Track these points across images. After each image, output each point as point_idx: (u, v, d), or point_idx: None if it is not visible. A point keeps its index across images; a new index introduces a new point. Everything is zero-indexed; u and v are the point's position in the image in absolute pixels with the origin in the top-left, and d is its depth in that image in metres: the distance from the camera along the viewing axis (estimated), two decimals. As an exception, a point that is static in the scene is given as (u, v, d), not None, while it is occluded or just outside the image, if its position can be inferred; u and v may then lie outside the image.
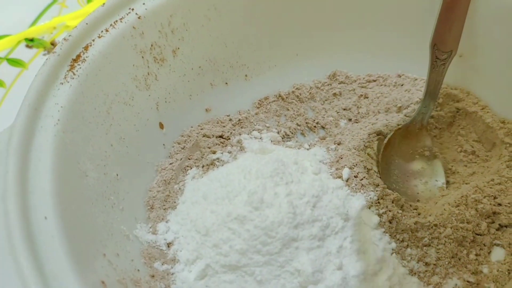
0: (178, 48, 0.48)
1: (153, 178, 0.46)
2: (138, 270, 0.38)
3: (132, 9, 0.44)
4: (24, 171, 0.32)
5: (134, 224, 0.42)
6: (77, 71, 0.39)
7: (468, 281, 0.42)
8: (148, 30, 0.45)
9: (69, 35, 0.40)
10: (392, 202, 0.44)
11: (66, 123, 0.36)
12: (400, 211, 0.44)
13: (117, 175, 0.41)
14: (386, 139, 0.49)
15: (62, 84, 0.38)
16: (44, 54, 0.61)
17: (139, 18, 0.44)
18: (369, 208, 0.43)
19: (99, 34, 0.41)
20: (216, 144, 0.49)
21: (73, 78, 0.38)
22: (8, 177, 0.31)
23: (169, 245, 0.42)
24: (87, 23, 0.41)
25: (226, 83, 0.53)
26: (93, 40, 0.41)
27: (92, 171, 0.38)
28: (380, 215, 0.43)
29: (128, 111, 0.44)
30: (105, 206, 0.38)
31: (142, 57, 0.45)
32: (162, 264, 0.41)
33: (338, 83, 0.56)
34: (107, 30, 0.42)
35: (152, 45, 0.45)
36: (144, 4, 0.44)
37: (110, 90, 0.42)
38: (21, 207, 0.30)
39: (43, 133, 0.35)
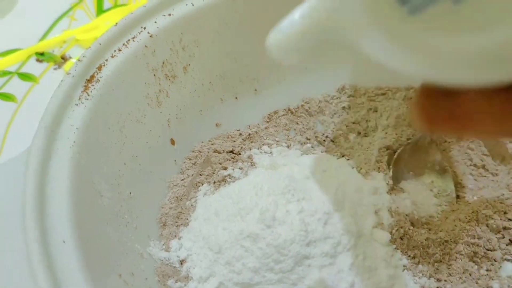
0: (189, 64, 0.48)
1: (165, 194, 0.46)
2: (153, 288, 0.39)
3: (144, 28, 0.44)
4: (41, 194, 0.32)
5: (147, 242, 0.42)
6: (91, 91, 0.39)
7: (479, 297, 0.43)
8: (159, 48, 0.45)
9: (83, 56, 0.40)
10: (404, 218, 0.44)
11: (81, 144, 0.37)
12: (411, 228, 0.44)
13: (130, 193, 0.42)
14: (396, 154, 0.50)
15: (77, 105, 0.38)
16: (55, 68, 0.62)
17: (151, 36, 0.44)
18: (380, 225, 0.44)
19: (112, 54, 0.42)
20: (227, 160, 0.50)
21: (87, 99, 0.39)
22: (26, 201, 0.31)
23: (182, 262, 0.43)
24: (100, 43, 0.41)
25: (236, 98, 0.54)
26: (106, 60, 0.41)
27: (106, 191, 0.38)
28: (391, 232, 0.43)
29: (141, 128, 0.45)
30: (119, 225, 0.39)
31: (154, 75, 0.45)
32: (176, 282, 0.41)
33: (347, 97, 0.56)
34: (119, 50, 0.42)
35: (163, 63, 0.46)
36: (156, 22, 0.45)
37: (123, 109, 0.42)
38: (40, 231, 0.30)
39: (59, 155, 0.35)
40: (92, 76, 0.40)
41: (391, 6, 0.17)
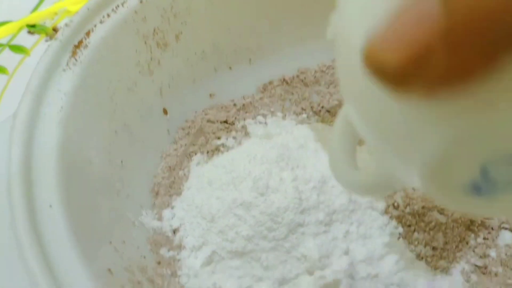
0: (181, 32, 0.47)
1: (158, 164, 0.46)
2: (145, 257, 0.38)
3: (134, -7, 0.43)
4: (28, 159, 0.32)
5: (139, 211, 0.41)
6: (79, 57, 0.38)
7: (475, 265, 0.42)
8: (150, 15, 0.44)
9: (71, 21, 0.39)
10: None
11: (69, 110, 0.36)
12: (407, 196, 0.43)
13: (121, 162, 0.41)
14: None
15: (65, 71, 0.37)
16: (46, 40, 0.61)
17: (141, 2, 0.43)
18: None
19: (101, 20, 0.41)
20: (221, 130, 0.49)
21: (75, 65, 0.38)
22: (12, 166, 0.31)
23: (175, 231, 0.42)
24: (88, 8, 0.40)
25: (230, 68, 0.52)
26: (95, 26, 0.40)
27: (96, 158, 0.38)
28: (387, 200, 0.43)
29: (132, 97, 0.44)
30: (110, 194, 0.38)
31: (145, 42, 0.44)
32: (168, 251, 0.41)
33: (343, 67, 0.55)
34: (108, 15, 0.41)
35: (154, 30, 0.45)
36: (146, -12, 0.44)
37: (113, 76, 0.41)
38: (26, 196, 0.30)
39: (46, 120, 0.34)
40: (80, 42, 0.39)
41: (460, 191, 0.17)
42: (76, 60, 0.38)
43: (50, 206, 0.30)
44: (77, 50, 0.38)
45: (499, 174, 0.16)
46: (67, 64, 0.38)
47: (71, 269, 0.28)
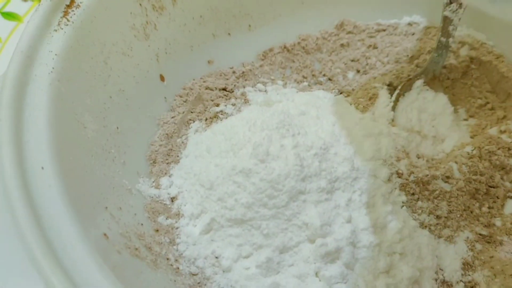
0: (178, -5, 0.46)
1: (155, 132, 0.44)
2: (142, 224, 0.37)
3: (128, -48, 0.41)
4: (18, 120, 0.30)
5: (136, 179, 0.40)
6: (71, 17, 0.37)
7: (480, 234, 0.41)
8: (145, -25, 0.42)
9: (62, -21, 0.37)
10: (403, 153, 0.42)
11: (61, 72, 0.35)
12: (411, 163, 0.42)
13: (117, 128, 0.40)
14: (397, 91, 0.47)
15: (56, 31, 0.36)
16: (39, 7, 0.59)
17: (135, -39, 0.41)
18: (380, 160, 0.42)
19: (94, -21, 0.39)
20: (219, 97, 0.48)
21: (67, 25, 0.36)
22: (1, 126, 0.29)
23: (172, 199, 0.41)
24: (80, -33, 0.38)
25: (229, 34, 0.51)
26: (88, -15, 0.38)
27: (90, 123, 0.36)
28: (390, 168, 0.42)
29: (127, 62, 0.42)
30: (105, 159, 0.37)
31: (140, 4, 0.43)
32: (166, 219, 0.40)
33: (346, 33, 0.54)
34: (102, -26, 0.39)
35: (150, -9, 0.43)
36: None
37: (107, 39, 0.40)
38: (16, 156, 0.29)
39: (37, 81, 0.33)
40: (72, 1, 0.37)
41: None
42: (68, 20, 0.36)
43: (42, 168, 0.29)
44: (69, 10, 0.37)
45: None
46: (58, 24, 0.36)
47: (64, 231, 0.26)
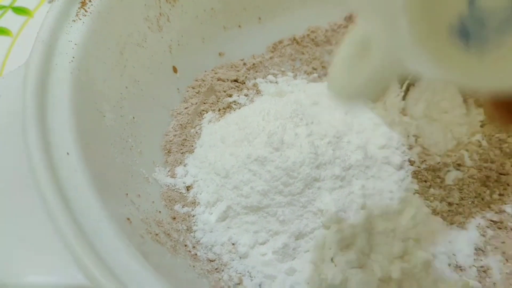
0: (190, -13, 0.46)
1: (169, 122, 0.45)
2: (160, 211, 0.38)
3: None
4: (42, 107, 0.31)
5: (152, 168, 0.41)
6: (88, 8, 0.37)
7: (491, 220, 0.42)
8: (159, -32, 0.43)
9: (79, -29, 0.38)
10: (415, 142, 0.43)
11: (81, 61, 0.35)
12: (423, 151, 0.43)
13: (133, 118, 0.40)
14: (408, 80, 0.48)
15: (75, 21, 0.36)
16: (49, 2, 0.59)
17: (150, -46, 0.42)
18: (391, 148, 0.42)
19: (110, -29, 0.39)
20: (232, 88, 0.48)
21: (85, 16, 0.37)
22: (27, 114, 0.30)
23: (188, 188, 0.42)
24: (96, -41, 0.39)
25: (240, 26, 0.51)
26: (104, -23, 0.39)
27: (109, 112, 0.37)
28: (402, 156, 0.42)
29: (142, 53, 0.43)
30: (123, 148, 0.38)
31: (154, -4, 0.43)
32: (183, 207, 0.40)
33: (355, 25, 0.54)
34: (117, -34, 0.40)
35: (163, -16, 0.44)
36: None
37: (122, 30, 0.40)
38: (42, 143, 0.29)
39: (58, 70, 0.33)
40: (89, -8, 0.38)
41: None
42: (85, 10, 0.37)
43: (68, 153, 0.30)
44: (86, 1, 0.37)
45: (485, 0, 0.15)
46: (77, 14, 0.37)
47: (93, 214, 0.27)
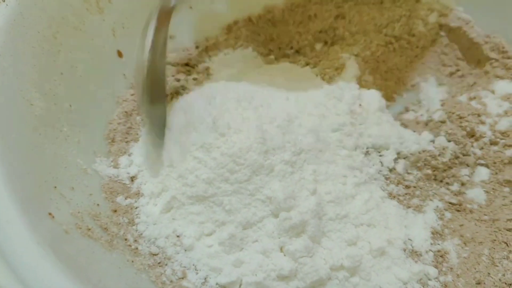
0: (133, -34, 0.44)
1: (114, 110, 0.43)
2: (98, 204, 0.36)
3: None
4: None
5: (92, 158, 0.39)
6: (13, -11, 0.35)
7: (450, 203, 0.40)
8: None
9: None
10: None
11: (3, 46, 0.33)
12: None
13: (70, 106, 0.38)
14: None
15: (-3, 3, 0.34)
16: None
17: None
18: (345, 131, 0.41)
19: None
20: (181, 72, 0.46)
21: (9, -3, 0.34)
22: None
23: (132, 178, 0.40)
24: None
25: (190, 7, 0.49)
26: (30, -46, 0.36)
27: (38, 100, 0.35)
28: (357, 138, 0.41)
29: (80, 37, 0.40)
30: (56, 138, 0.35)
31: (91, -24, 0.40)
32: (126, 199, 0.38)
33: (313, 4, 0.52)
34: None
35: (100, -39, 0.41)
36: None
37: (55, 13, 0.38)
38: None
39: (-25, 56, 0.31)
40: (14, -28, 0.35)
41: None
42: (9, -8, 0.34)
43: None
44: (11, -19, 0.35)
45: None
46: (0, -5, 0.34)
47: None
